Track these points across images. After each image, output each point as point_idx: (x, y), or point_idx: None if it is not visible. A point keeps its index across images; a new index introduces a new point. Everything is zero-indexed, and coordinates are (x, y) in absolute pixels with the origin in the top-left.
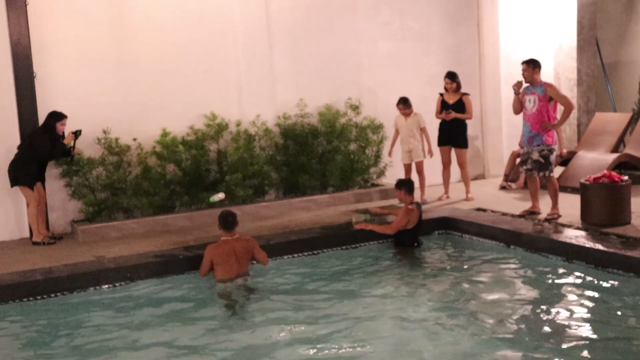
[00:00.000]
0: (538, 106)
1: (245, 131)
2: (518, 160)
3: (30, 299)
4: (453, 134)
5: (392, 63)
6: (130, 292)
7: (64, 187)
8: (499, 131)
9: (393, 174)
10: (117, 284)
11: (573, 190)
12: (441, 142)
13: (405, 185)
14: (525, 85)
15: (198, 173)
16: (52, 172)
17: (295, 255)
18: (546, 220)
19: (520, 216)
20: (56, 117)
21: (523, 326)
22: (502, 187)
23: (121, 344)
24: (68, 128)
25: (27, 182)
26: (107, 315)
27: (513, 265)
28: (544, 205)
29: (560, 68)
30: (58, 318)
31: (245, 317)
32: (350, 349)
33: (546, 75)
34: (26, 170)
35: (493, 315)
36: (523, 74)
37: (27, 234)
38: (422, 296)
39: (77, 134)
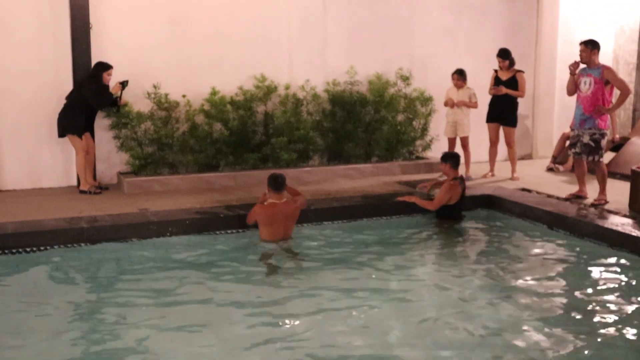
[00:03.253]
0: (593, 89)
1: (293, 95)
2: (568, 142)
3: (75, 245)
4: (502, 111)
5: (446, 36)
6: (171, 246)
7: (112, 138)
8: (551, 112)
9: (439, 148)
10: (159, 237)
11: (623, 177)
12: (490, 118)
13: (451, 158)
14: (582, 66)
15: (244, 134)
16: (101, 124)
17: (336, 222)
18: (592, 205)
19: (565, 199)
20: (103, 67)
21: (559, 309)
22: (549, 169)
23: (157, 297)
24: (118, 80)
25: (75, 131)
26: (146, 267)
27: (555, 249)
28: (592, 191)
29: (620, 51)
30: (99, 266)
31: (282, 279)
32: (383, 318)
33: (605, 57)
34: (74, 120)
35: (530, 296)
36: (580, 55)
37: (74, 182)
38: (459, 271)
39: (124, 84)
